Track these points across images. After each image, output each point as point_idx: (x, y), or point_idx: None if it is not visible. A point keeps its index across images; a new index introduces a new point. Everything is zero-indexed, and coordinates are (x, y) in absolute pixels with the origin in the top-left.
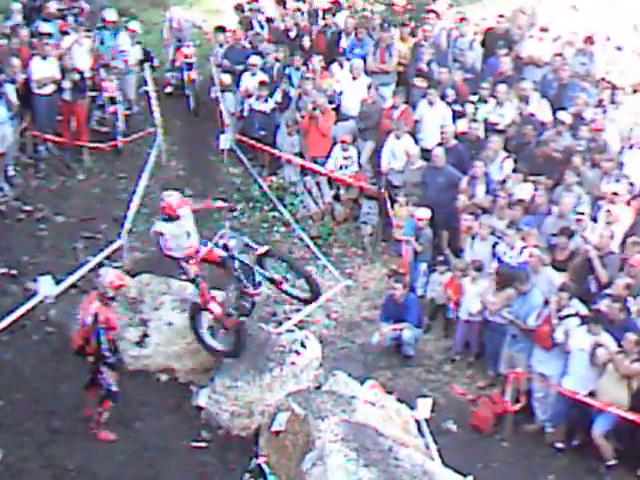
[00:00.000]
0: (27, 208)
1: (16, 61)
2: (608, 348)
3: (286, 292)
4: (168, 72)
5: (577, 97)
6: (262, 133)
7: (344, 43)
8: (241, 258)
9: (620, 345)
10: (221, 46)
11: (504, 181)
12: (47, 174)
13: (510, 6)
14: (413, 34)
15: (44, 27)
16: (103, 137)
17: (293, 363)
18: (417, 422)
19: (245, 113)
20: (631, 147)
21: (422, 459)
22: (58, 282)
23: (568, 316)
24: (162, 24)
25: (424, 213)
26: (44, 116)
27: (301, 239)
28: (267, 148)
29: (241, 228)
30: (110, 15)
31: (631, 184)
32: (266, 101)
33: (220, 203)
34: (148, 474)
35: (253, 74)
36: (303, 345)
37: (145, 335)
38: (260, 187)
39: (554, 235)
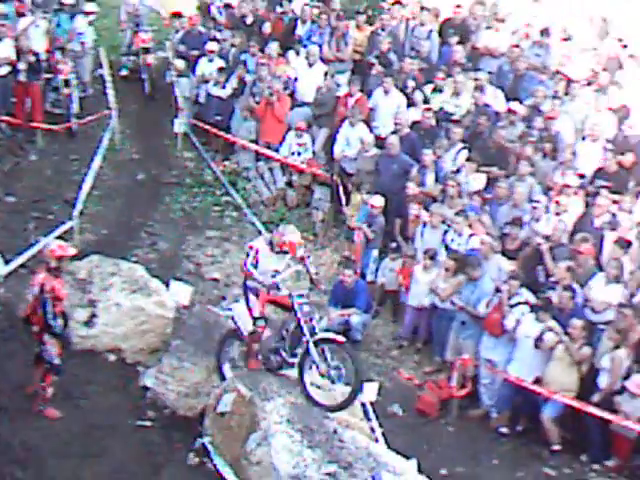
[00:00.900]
0: None
1: None
2: (558, 333)
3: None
4: (124, 56)
5: (536, 90)
6: (218, 118)
7: (300, 30)
8: (302, 324)
9: (567, 333)
10: (177, 32)
11: (458, 170)
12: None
13: None
14: (370, 22)
15: (0, 8)
16: (57, 119)
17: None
18: (363, 405)
19: (201, 99)
20: (584, 139)
21: (367, 441)
22: (7, 262)
23: (518, 304)
24: (119, 8)
25: (378, 201)
26: None
27: (253, 224)
28: (221, 133)
29: (193, 212)
30: None
31: (582, 175)
32: (224, 87)
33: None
34: (93, 452)
35: (210, 60)
36: None
37: (93, 315)
38: (213, 172)
39: (507, 224)
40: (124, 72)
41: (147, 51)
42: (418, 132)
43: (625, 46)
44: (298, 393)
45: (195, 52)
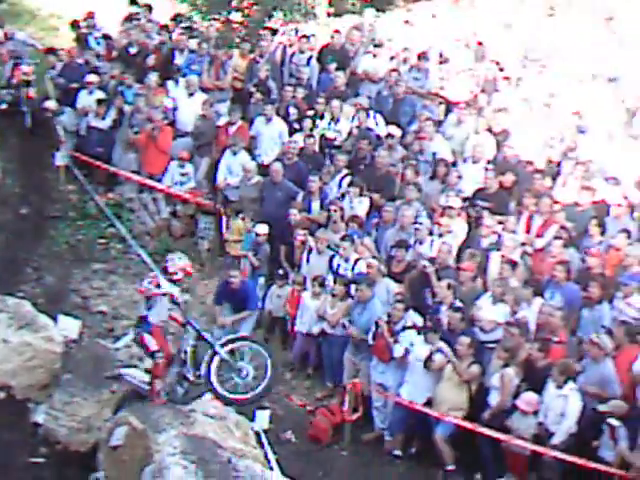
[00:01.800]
0: None
1: None
2: (446, 354)
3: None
4: (3, 89)
5: (420, 114)
6: (99, 150)
7: (178, 60)
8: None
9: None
10: (53, 68)
11: (343, 196)
12: None
13: (346, 23)
14: (252, 51)
15: None
16: None
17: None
18: (256, 433)
19: (82, 131)
20: (465, 161)
21: (261, 469)
22: None
23: (405, 328)
24: None
25: (263, 229)
26: None
27: (138, 255)
28: (103, 165)
29: (79, 245)
30: None
31: (465, 199)
32: (103, 119)
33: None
34: None
35: (90, 92)
36: (141, 359)
37: None
38: (97, 204)
39: (393, 247)
40: (3, 106)
41: (28, 84)
42: (302, 159)
43: (501, 69)
44: (190, 424)
45: (75, 84)
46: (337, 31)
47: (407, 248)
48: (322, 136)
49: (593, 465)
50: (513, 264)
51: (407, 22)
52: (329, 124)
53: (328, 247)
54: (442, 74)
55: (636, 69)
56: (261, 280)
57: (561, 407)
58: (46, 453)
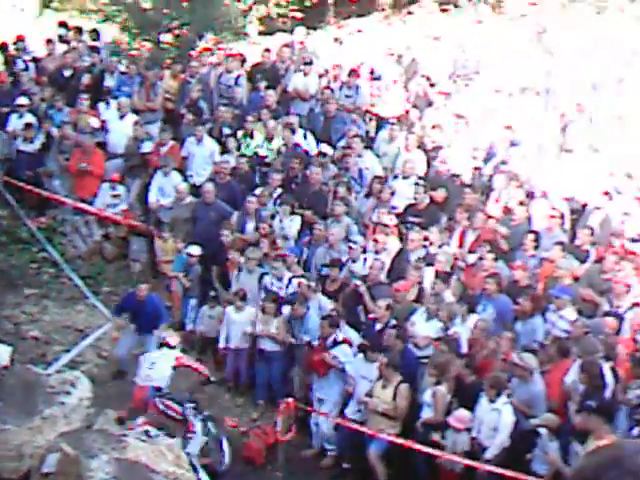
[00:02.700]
0: None
1: None
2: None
3: None
4: None
5: (349, 130)
6: (29, 174)
7: (109, 82)
8: None
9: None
10: None
11: (273, 216)
12: None
13: (277, 41)
14: (183, 71)
15: None
16: None
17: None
18: (189, 456)
19: (12, 155)
20: (396, 177)
21: None
22: None
23: (336, 344)
24: None
25: (195, 250)
26: None
27: (70, 279)
28: (34, 189)
29: (11, 270)
30: None
31: (397, 215)
32: (32, 142)
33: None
34: None
35: (20, 116)
36: (73, 385)
37: None
38: (28, 228)
39: (325, 266)
40: None
41: None
42: (234, 178)
43: (432, 85)
44: (123, 448)
45: (4, 108)
46: (268, 50)
47: (340, 267)
48: (254, 155)
49: (525, 478)
50: (446, 277)
51: (337, 40)
52: (263, 143)
53: (259, 265)
54: (373, 90)
55: (566, 81)
56: (192, 302)
57: (494, 421)
58: None
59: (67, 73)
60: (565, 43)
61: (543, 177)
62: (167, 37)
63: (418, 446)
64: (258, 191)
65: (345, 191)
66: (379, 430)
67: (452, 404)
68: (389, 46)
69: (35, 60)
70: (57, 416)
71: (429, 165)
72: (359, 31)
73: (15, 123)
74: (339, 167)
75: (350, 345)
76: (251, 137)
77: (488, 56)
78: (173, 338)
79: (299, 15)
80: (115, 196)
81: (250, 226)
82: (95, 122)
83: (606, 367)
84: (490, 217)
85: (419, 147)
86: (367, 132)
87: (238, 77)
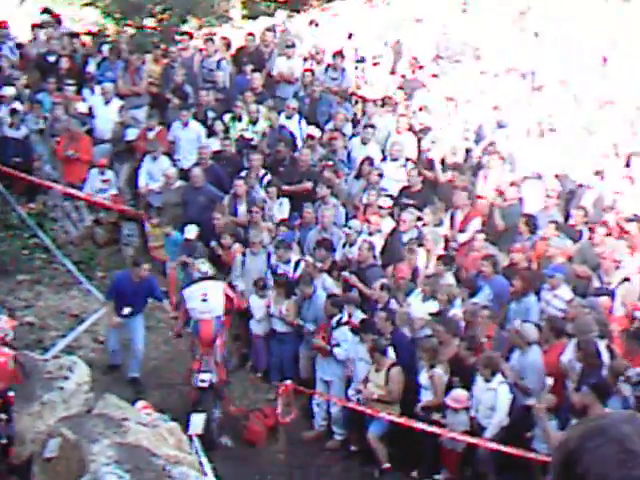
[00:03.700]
0: None
1: None
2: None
3: None
4: None
5: (336, 113)
6: (17, 160)
7: (91, 67)
8: None
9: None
10: None
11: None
12: None
13: (261, 25)
14: (165, 56)
15: None
16: None
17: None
18: (191, 439)
19: None
20: (385, 159)
21: (196, 475)
22: None
23: (339, 325)
24: None
25: (192, 231)
26: None
27: (63, 264)
28: (23, 175)
29: (3, 257)
30: None
31: (390, 196)
32: (18, 128)
33: None
34: None
35: (7, 104)
36: (71, 370)
37: None
38: (19, 214)
39: (316, 247)
40: None
41: None
42: (220, 162)
43: (421, 67)
44: (124, 433)
45: None
46: (251, 34)
47: (330, 247)
48: (240, 138)
49: (526, 455)
50: (447, 259)
51: (312, 22)
52: (247, 126)
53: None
54: (359, 72)
55: (550, 62)
56: None
57: (491, 401)
58: None
59: (51, 58)
60: (549, 22)
61: (533, 158)
62: (150, 21)
63: (419, 425)
64: (244, 173)
65: (331, 174)
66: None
67: (453, 384)
68: (374, 28)
69: (19, 46)
70: (56, 401)
71: (420, 147)
72: (335, 15)
73: (2, 111)
74: (327, 150)
75: (354, 328)
76: (239, 120)
77: (472, 38)
78: (208, 267)
79: None
80: (104, 181)
81: (242, 209)
82: (83, 107)
83: (602, 345)
84: (480, 197)
85: (409, 130)
86: (354, 115)
87: (220, 61)
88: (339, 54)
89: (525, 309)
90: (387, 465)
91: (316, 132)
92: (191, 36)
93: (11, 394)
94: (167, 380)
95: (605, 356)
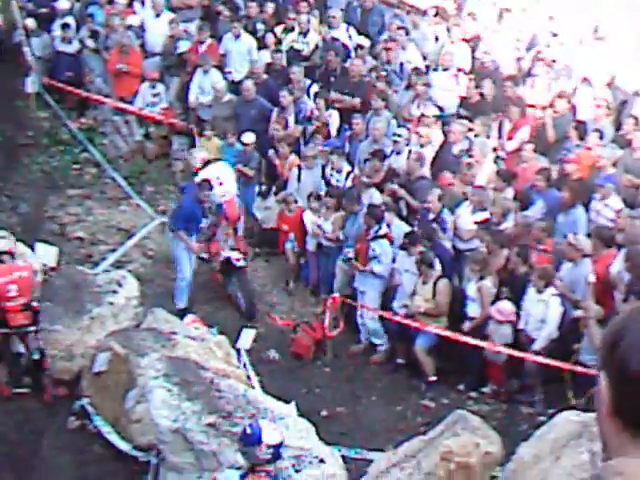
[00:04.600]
0: None
1: None
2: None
3: None
4: None
5: (390, 24)
6: (69, 74)
7: None
8: None
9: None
10: None
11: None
12: None
13: None
14: None
15: None
16: None
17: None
18: (238, 352)
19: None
20: (436, 69)
21: (244, 389)
22: None
23: (376, 238)
24: None
25: (249, 137)
26: None
27: (113, 179)
28: (74, 90)
29: (53, 172)
30: None
31: (439, 108)
32: (70, 43)
33: None
34: None
35: (62, 16)
36: (120, 284)
37: None
38: (69, 129)
39: (367, 160)
40: None
41: None
42: (271, 74)
43: None
44: (172, 346)
45: (44, 9)
46: None
47: (383, 158)
48: (291, 49)
49: (573, 369)
50: (506, 174)
51: None
52: (298, 37)
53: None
54: None
55: None
56: (256, 189)
57: (542, 313)
58: (30, 383)
59: None
60: None
61: (585, 66)
62: None
63: (464, 338)
64: (291, 86)
65: (384, 85)
66: (425, 324)
67: (501, 294)
68: None
69: None
70: (106, 315)
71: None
72: None
73: (56, 24)
74: (379, 61)
75: (391, 241)
76: (292, 31)
77: None
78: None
79: None
80: (155, 95)
81: (291, 120)
82: (134, 20)
83: None
84: (531, 106)
85: (462, 40)
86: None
87: None
88: None
89: (572, 221)
90: (433, 378)
91: (365, 42)
92: None
93: (35, 305)
94: (215, 294)
95: None
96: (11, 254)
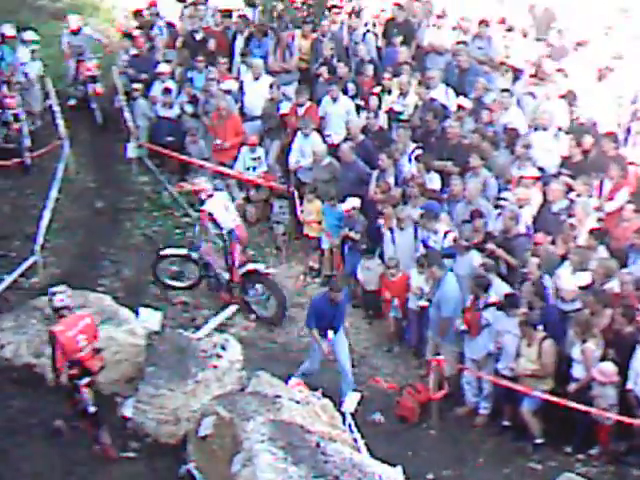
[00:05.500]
0: None
1: None
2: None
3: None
4: (70, 87)
5: (477, 82)
6: (169, 139)
7: (239, 43)
8: None
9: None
10: (127, 52)
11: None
12: None
13: None
14: (315, 30)
15: None
16: (9, 154)
17: (214, 366)
18: (343, 416)
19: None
20: (536, 129)
21: (350, 452)
22: None
23: (487, 306)
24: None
25: (354, 202)
26: None
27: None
28: (175, 154)
29: (155, 236)
30: (9, 30)
31: (540, 168)
32: (171, 107)
33: None
34: None
35: (162, 82)
36: (224, 348)
37: None
38: (170, 194)
39: (465, 222)
40: (72, 102)
41: (94, 80)
42: (369, 136)
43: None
44: (277, 410)
45: (144, 75)
46: (397, 4)
47: (481, 217)
48: (390, 111)
49: None
50: (600, 233)
51: None
52: (398, 98)
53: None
54: (506, 41)
55: None
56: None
57: None
58: (136, 447)
59: (199, 37)
60: None
61: None
62: None
63: (570, 403)
64: (390, 148)
65: (488, 145)
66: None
67: (607, 356)
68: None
69: (169, 25)
70: (210, 379)
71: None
72: None
73: (157, 89)
74: (476, 121)
75: (497, 305)
76: (389, 93)
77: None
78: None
79: None
80: (255, 159)
81: (391, 182)
82: (228, 85)
83: None
84: (631, 164)
85: (559, 97)
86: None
87: (365, 33)
88: (484, 22)
89: None
90: (540, 440)
91: (466, 103)
92: (340, 9)
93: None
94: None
95: None
96: (69, 309)
